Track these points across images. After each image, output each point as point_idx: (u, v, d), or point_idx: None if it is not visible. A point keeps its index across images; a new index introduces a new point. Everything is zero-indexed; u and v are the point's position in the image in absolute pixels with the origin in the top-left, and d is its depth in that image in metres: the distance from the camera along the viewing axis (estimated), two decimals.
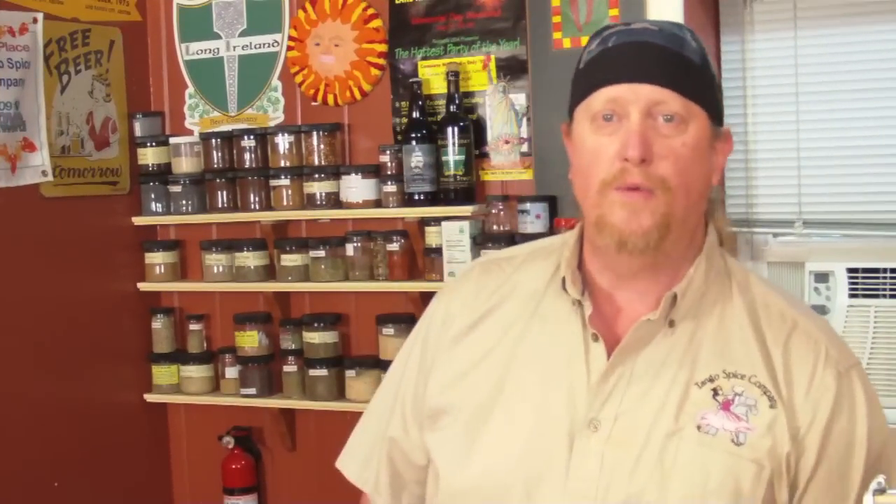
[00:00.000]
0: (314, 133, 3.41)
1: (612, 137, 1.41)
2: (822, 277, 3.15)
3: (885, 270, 3.08)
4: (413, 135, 3.24)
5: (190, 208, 3.58)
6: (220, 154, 3.56)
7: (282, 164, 3.44)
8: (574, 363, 1.46)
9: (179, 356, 3.66)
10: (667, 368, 1.44)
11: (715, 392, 1.42)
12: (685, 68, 1.43)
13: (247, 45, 3.62)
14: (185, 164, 3.59)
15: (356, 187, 3.33)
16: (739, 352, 1.44)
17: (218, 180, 3.54)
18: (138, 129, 3.66)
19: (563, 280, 1.50)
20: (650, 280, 1.47)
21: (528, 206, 3.12)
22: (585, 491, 1.41)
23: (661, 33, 1.44)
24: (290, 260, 3.42)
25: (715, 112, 1.47)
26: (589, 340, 1.46)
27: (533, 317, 1.52)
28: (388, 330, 3.28)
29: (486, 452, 1.47)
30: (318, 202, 3.38)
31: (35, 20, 3.30)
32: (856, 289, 3.11)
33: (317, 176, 3.38)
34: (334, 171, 3.38)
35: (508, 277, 1.58)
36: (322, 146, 3.40)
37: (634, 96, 1.41)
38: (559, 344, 1.48)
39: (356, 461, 1.69)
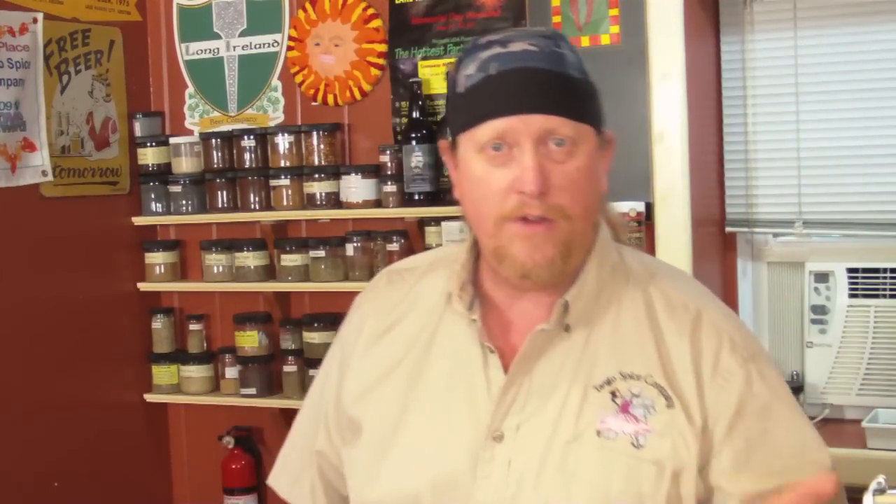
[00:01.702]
0: (314, 133, 3.41)
1: (503, 169, 1.39)
2: (822, 277, 3.15)
3: (885, 270, 3.08)
4: (413, 135, 3.24)
5: (190, 208, 3.58)
6: (220, 154, 3.56)
7: (282, 164, 3.44)
8: (474, 376, 1.46)
9: (179, 356, 3.66)
10: (565, 374, 1.44)
11: (613, 395, 1.42)
12: (571, 90, 1.40)
13: (247, 45, 3.62)
14: (185, 164, 3.59)
15: (356, 187, 3.33)
16: (635, 352, 1.44)
17: (218, 180, 3.54)
18: (138, 129, 3.66)
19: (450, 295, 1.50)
20: (547, 291, 1.46)
21: None
22: (493, 502, 1.41)
23: (542, 54, 1.39)
24: (290, 260, 3.42)
25: (599, 123, 1.45)
26: (486, 353, 1.46)
27: (434, 331, 1.52)
28: None
29: (394, 470, 1.47)
30: (318, 202, 3.38)
31: (35, 20, 3.31)
32: (856, 289, 3.11)
33: (317, 176, 3.39)
34: (334, 171, 3.38)
35: (410, 289, 1.57)
36: (322, 146, 3.40)
37: (525, 127, 1.37)
38: (459, 358, 1.48)
39: (288, 477, 1.68)
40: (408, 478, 1.46)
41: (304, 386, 3.43)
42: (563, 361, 1.44)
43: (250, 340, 3.51)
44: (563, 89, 1.39)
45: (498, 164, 1.39)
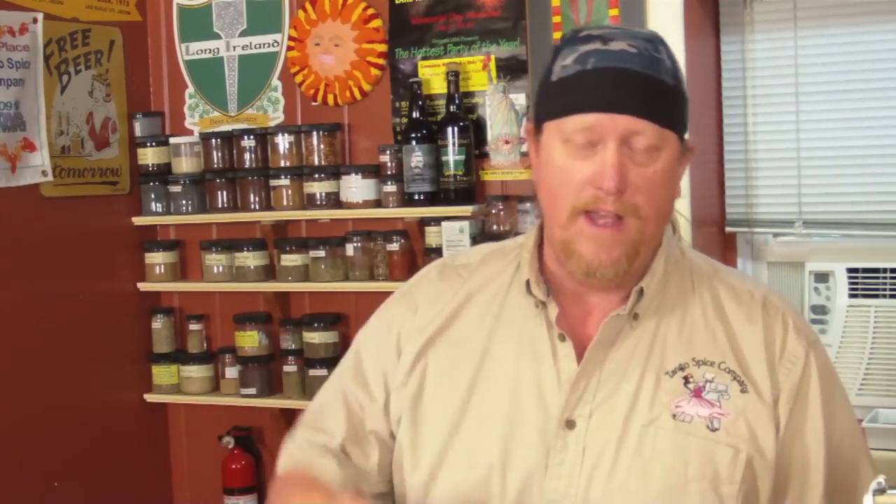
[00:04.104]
0: (314, 133, 3.41)
1: (585, 162, 1.41)
2: (822, 277, 3.15)
3: (885, 270, 3.08)
4: (413, 135, 3.24)
5: (190, 208, 3.58)
6: (220, 154, 3.56)
7: (282, 164, 3.44)
8: (542, 364, 1.48)
9: (179, 356, 3.66)
10: (636, 361, 1.47)
11: (686, 380, 1.45)
12: (662, 96, 1.43)
13: (247, 45, 3.62)
14: (185, 164, 3.59)
15: (356, 187, 3.33)
16: (706, 340, 1.48)
17: (218, 180, 3.54)
18: (138, 129, 3.66)
19: (528, 283, 1.51)
20: (618, 284, 1.48)
21: (528, 206, 3.12)
22: (566, 489, 1.43)
23: (640, 56, 1.42)
24: (290, 260, 3.42)
25: (684, 131, 1.49)
26: (555, 340, 1.48)
27: (496, 322, 1.53)
28: None
29: (459, 461, 1.47)
30: (318, 202, 3.38)
31: (35, 20, 3.30)
32: (856, 289, 3.11)
33: (317, 176, 3.38)
34: (334, 171, 3.38)
35: (464, 283, 1.58)
36: (322, 146, 3.40)
37: (612, 126, 1.40)
38: (525, 346, 1.49)
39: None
40: (475, 467, 1.46)
41: (304, 386, 3.43)
42: (633, 349, 1.47)
43: (250, 340, 3.51)
44: (655, 94, 1.42)
45: (580, 156, 1.42)
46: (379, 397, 1.56)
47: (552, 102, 1.45)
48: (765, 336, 1.48)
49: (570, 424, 1.44)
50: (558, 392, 1.46)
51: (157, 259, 3.64)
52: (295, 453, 1.61)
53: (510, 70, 3.25)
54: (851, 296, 3.11)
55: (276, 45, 3.59)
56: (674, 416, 1.43)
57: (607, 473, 1.42)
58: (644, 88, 1.41)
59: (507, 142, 3.23)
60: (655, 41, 1.46)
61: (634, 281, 1.48)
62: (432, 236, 3.22)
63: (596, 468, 1.42)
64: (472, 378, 1.50)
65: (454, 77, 3.22)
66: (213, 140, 3.56)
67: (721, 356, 1.47)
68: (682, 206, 2.97)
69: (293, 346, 3.46)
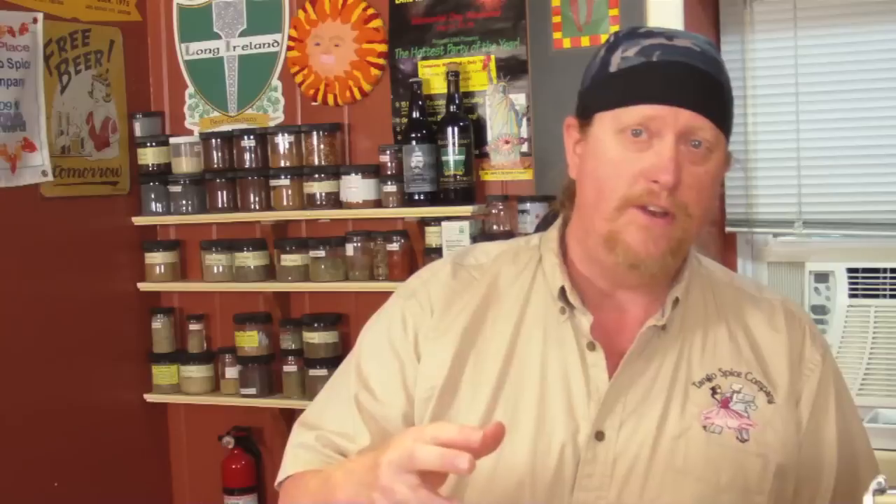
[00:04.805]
0: (314, 133, 3.41)
1: (639, 154, 1.38)
2: (822, 277, 3.15)
3: (885, 270, 3.08)
4: (413, 135, 3.24)
5: (190, 208, 3.58)
6: (220, 154, 3.56)
7: (282, 164, 3.44)
8: (571, 373, 1.43)
9: (179, 356, 3.66)
10: (663, 371, 1.44)
11: (714, 391, 1.44)
12: (721, 97, 1.42)
13: (247, 45, 3.62)
14: (185, 164, 3.59)
15: (356, 187, 3.33)
16: (730, 350, 1.47)
17: (218, 180, 3.54)
18: (138, 129, 3.66)
19: (562, 289, 1.45)
20: (648, 286, 1.46)
21: (528, 206, 3.12)
22: (595, 501, 1.40)
23: (703, 56, 1.41)
24: (290, 260, 3.42)
25: (730, 137, 1.47)
26: (584, 349, 1.44)
27: (518, 328, 1.47)
28: None
29: (485, 472, 1.42)
30: (318, 202, 3.38)
31: (35, 20, 3.31)
32: (856, 289, 3.11)
33: (317, 176, 3.38)
34: (334, 171, 3.38)
35: (479, 286, 1.51)
36: (322, 146, 3.40)
37: (673, 119, 1.38)
38: (551, 354, 1.45)
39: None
40: (501, 479, 1.42)
41: (304, 386, 3.43)
42: (662, 359, 1.45)
43: (250, 340, 3.51)
44: (716, 94, 1.42)
45: (634, 149, 1.39)
46: (398, 404, 1.48)
47: (609, 92, 1.42)
48: (788, 343, 1.49)
49: (600, 436, 1.41)
50: (588, 402, 1.42)
51: (157, 259, 3.64)
52: (302, 455, 1.51)
53: (510, 70, 3.25)
54: (851, 296, 3.11)
55: (276, 45, 3.59)
56: (704, 427, 1.42)
57: (640, 486, 1.40)
58: (707, 87, 1.40)
59: (507, 142, 3.23)
60: (713, 45, 1.45)
61: (662, 285, 1.46)
62: (432, 236, 3.22)
63: (627, 481, 1.40)
64: (497, 387, 1.44)
65: (454, 77, 3.22)
66: (213, 140, 3.56)
67: (746, 366, 1.46)
68: None
69: (293, 346, 3.46)
